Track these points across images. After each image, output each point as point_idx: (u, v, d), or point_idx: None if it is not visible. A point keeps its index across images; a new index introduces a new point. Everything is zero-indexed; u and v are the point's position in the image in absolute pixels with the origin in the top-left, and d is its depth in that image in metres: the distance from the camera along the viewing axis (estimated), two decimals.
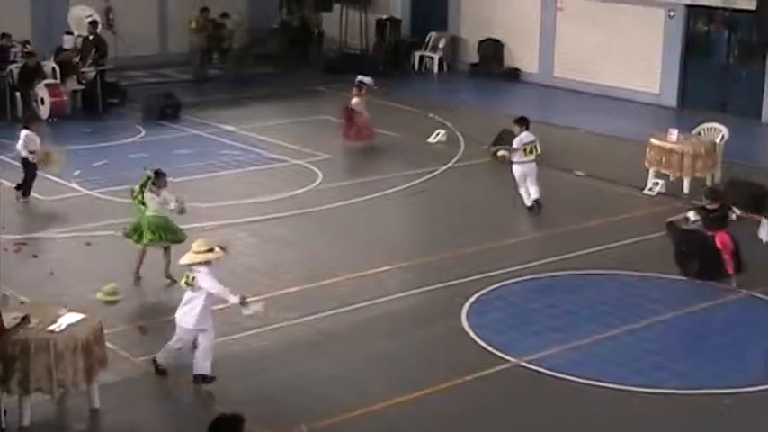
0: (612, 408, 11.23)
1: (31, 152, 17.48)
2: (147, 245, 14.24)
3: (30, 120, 18.76)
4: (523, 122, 17.71)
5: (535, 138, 17.65)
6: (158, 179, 14.30)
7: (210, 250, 11.31)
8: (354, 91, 21.91)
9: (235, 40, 29.00)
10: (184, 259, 11.43)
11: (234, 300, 11.22)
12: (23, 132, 17.67)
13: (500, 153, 18.31)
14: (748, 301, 14.12)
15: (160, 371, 11.54)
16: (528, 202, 17.56)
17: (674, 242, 14.86)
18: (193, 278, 11.13)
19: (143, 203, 14.12)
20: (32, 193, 17.92)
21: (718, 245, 14.30)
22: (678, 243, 14.81)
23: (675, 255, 14.77)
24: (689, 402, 11.37)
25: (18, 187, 17.60)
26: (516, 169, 17.57)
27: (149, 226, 14.12)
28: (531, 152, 17.45)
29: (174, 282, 13.65)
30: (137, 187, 14.32)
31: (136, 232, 14.26)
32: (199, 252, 11.26)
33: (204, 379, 11.35)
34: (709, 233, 14.46)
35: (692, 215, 14.70)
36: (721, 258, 14.32)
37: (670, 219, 15.24)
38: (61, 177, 18.73)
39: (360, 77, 22.54)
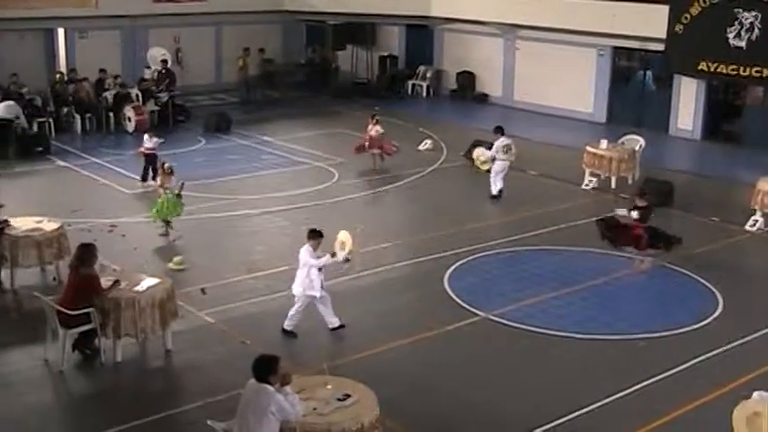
0: (556, 349, 11.27)
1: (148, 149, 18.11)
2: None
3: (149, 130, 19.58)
4: (499, 130, 17.83)
5: (510, 141, 17.68)
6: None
7: None
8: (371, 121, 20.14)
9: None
10: None
11: None
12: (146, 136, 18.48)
13: (485, 167, 18.19)
14: (656, 269, 14.08)
15: None
16: (493, 192, 17.61)
17: (601, 231, 14.22)
18: None
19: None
20: (119, 188, 17.97)
21: (636, 235, 13.85)
22: (603, 231, 14.20)
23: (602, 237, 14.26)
24: (612, 345, 11.40)
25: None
26: (496, 164, 17.61)
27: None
28: (506, 152, 17.50)
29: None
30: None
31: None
32: None
33: None
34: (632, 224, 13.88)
35: (621, 211, 14.13)
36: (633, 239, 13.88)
37: (598, 218, 14.57)
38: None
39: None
